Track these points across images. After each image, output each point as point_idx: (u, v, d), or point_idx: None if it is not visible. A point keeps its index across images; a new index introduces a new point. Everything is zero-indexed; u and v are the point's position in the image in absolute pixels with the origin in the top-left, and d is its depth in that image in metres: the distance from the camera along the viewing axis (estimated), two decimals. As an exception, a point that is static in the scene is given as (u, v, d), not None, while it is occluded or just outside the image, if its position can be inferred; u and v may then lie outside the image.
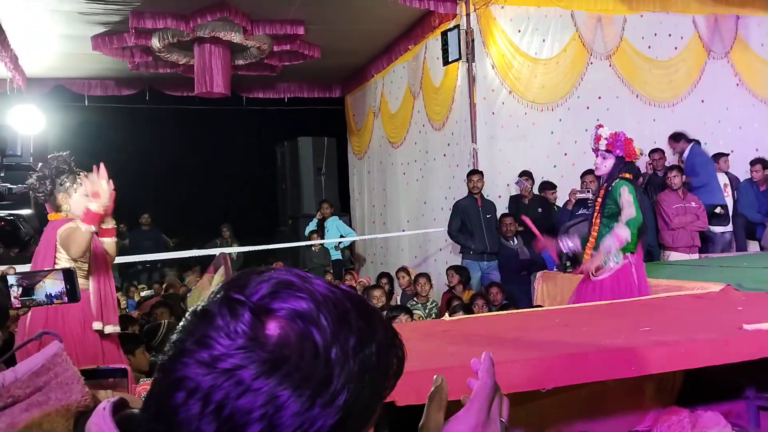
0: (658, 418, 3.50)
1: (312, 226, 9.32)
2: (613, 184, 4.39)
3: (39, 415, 0.74)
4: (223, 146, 13.18)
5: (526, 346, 2.79)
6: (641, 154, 4.48)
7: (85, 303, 3.26)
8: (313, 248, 9.15)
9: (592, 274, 4.44)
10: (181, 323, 0.66)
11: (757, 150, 8.25)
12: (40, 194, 3.36)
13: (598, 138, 4.51)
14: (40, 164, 3.42)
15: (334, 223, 9.47)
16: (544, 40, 7.98)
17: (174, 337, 0.65)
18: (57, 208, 3.41)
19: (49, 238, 3.33)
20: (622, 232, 4.25)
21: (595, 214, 4.52)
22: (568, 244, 4.51)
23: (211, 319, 0.63)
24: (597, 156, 4.56)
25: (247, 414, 0.58)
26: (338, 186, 11.95)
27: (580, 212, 6.64)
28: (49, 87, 10.47)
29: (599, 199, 4.53)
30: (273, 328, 0.62)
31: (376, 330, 0.67)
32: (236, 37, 8.16)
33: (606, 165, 4.49)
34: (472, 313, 5.07)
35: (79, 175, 3.37)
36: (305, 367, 0.60)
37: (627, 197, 4.29)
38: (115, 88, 10.79)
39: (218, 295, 0.65)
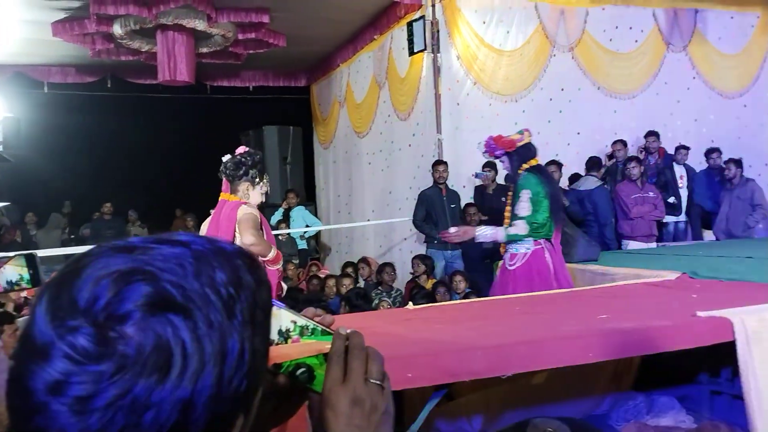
0: (615, 403, 3.61)
1: (278, 215, 9.30)
2: (518, 182, 4.55)
3: None
4: (187, 135, 13.04)
5: (487, 334, 2.85)
6: (521, 133, 4.65)
7: None
8: (279, 237, 9.13)
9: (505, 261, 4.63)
10: (12, 363, 0.55)
11: (712, 141, 8.47)
12: (229, 173, 3.89)
13: (484, 154, 4.78)
14: (244, 150, 3.96)
15: (299, 213, 9.45)
16: (508, 32, 8.06)
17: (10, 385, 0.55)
18: (233, 192, 3.89)
19: (229, 217, 3.77)
20: (504, 233, 4.52)
21: (507, 207, 4.70)
22: (487, 231, 4.68)
23: (50, 357, 0.53)
24: (502, 164, 4.83)
25: (159, 424, 0.53)
26: (303, 175, 11.92)
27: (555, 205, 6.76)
28: (9, 74, 10.23)
29: (510, 193, 4.75)
30: (135, 332, 0.54)
31: (240, 271, 0.61)
32: (200, 25, 8.06)
33: (506, 165, 4.75)
34: (436, 301, 5.15)
35: (266, 175, 3.97)
36: (195, 356, 0.55)
37: (525, 199, 4.48)
38: (76, 75, 10.58)
39: (50, 324, 0.54)
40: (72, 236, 10.96)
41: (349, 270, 7.21)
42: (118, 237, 0.66)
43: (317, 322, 0.81)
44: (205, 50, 8.91)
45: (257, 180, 3.91)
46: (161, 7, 7.67)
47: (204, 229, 4.06)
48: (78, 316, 0.54)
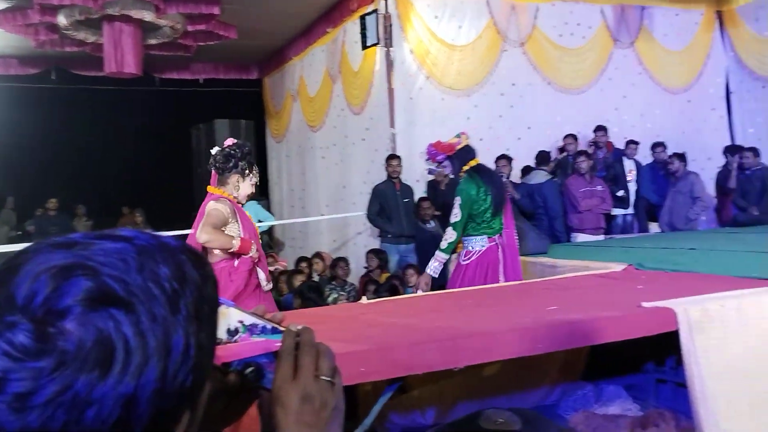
0: (565, 393, 3.69)
1: (229, 210, 9.19)
2: (457, 187, 4.67)
3: None
4: (136, 128, 12.76)
5: (440, 327, 2.88)
6: (459, 136, 4.77)
7: None
8: (231, 233, 9.04)
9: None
10: None
11: (657, 136, 8.69)
12: (219, 165, 3.85)
13: (427, 161, 4.88)
14: (231, 142, 3.94)
15: (252, 208, 9.30)
16: (460, 27, 8.11)
17: None
18: (222, 184, 3.85)
19: (201, 211, 3.76)
20: (442, 253, 4.64)
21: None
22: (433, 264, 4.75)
23: None
24: (444, 169, 4.89)
25: (101, 420, 0.52)
26: (256, 169, 11.79)
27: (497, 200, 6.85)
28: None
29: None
30: (75, 327, 0.53)
31: (183, 265, 0.60)
32: (148, 16, 7.89)
33: (449, 170, 4.84)
34: (396, 293, 5.17)
35: (255, 167, 3.95)
36: (138, 351, 0.54)
37: (456, 206, 4.61)
38: (18, 66, 10.25)
39: None
40: (19, 233, 10.66)
41: (303, 265, 7.18)
42: (63, 233, 0.64)
43: (267, 320, 0.81)
44: (153, 42, 8.72)
45: (247, 172, 3.89)
46: (107, -3, 7.49)
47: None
48: (16, 313, 0.53)
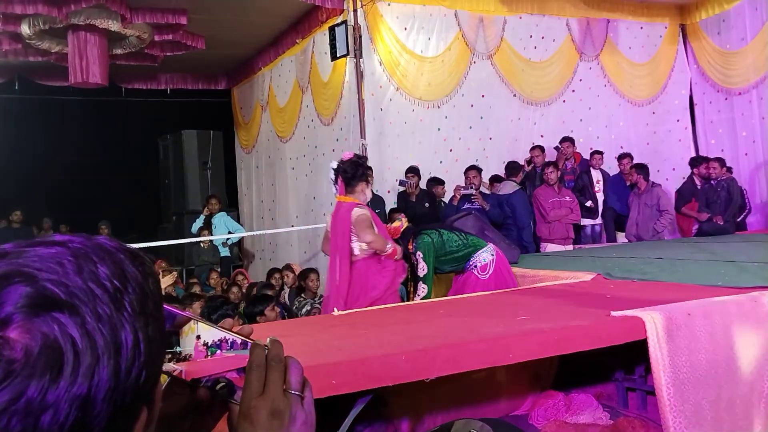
0: (535, 402, 3.70)
1: (199, 222, 9.08)
2: (414, 252, 4.66)
3: None
4: (102, 139, 12.57)
5: (411, 338, 2.87)
6: (400, 220, 4.82)
7: None
8: (201, 245, 8.93)
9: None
10: None
11: (621, 147, 8.84)
12: (348, 174, 4.20)
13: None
14: (352, 154, 4.38)
15: (221, 219, 9.27)
16: (429, 39, 8.17)
17: None
18: (350, 192, 4.22)
19: (343, 219, 4.14)
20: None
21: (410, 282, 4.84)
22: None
23: None
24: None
25: (58, 424, 0.52)
26: (225, 181, 11.69)
27: (465, 207, 6.89)
28: None
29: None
30: (19, 335, 0.52)
31: (123, 265, 0.61)
32: (114, 25, 7.80)
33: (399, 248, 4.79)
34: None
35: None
36: (88, 352, 0.54)
37: (419, 260, 4.61)
38: (-21, 76, 10.04)
39: None
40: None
41: (276, 277, 7.12)
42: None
43: (235, 333, 0.79)
44: (119, 51, 8.62)
45: (369, 179, 4.31)
46: (72, 6, 7.37)
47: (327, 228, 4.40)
48: None
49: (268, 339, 0.76)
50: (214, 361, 0.77)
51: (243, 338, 0.79)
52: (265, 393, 0.72)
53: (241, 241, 10.55)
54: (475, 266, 4.71)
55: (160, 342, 0.63)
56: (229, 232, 9.25)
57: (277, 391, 0.72)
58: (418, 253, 4.61)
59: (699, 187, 8.05)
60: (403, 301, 4.57)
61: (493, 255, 4.72)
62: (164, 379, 0.74)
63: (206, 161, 11.34)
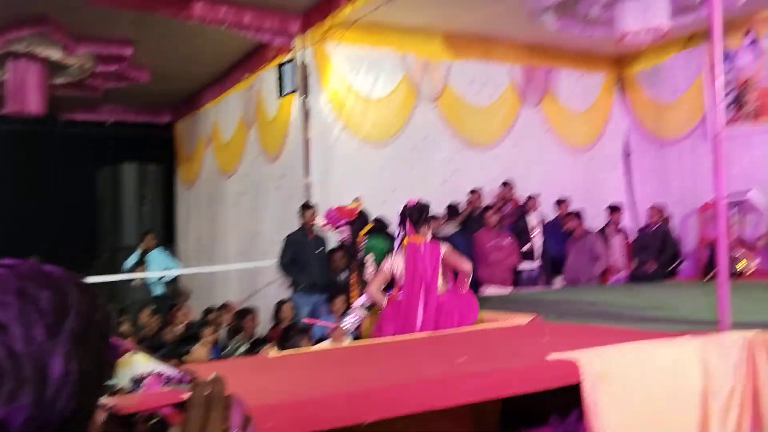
0: (473, 445, 3.68)
1: (134, 258, 8.82)
2: (363, 248, 4.74)
3: None
4: (36, 170, 12.15)
5: (350, 380, 2.82)
6: (357, 201, 4.94)
7: None
8: (132, 283, 8.64)
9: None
10: None
11: (562, 192, 9.05)
12: (418, 217, 4.60)
13: (323, 226, 4.98)
14: (416, 199, 4.80)
15: (159, 255, 9.04)
16: (376, 81, 8.27)
17: None
18: (418, 232, 4.57)
19: (432, 254, 4.50)
20: (362, 309, 4.72)
21: (353, 274, 4.87)
22: (351, 320, 4.75)
23: None
24: (339, 235, 5.08)
25: None
26: (163, 216, 11.44)
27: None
28: None
29: (356, 262, 5.01)
30: None
31: (66, 293, 0.60)
32: (55, 55, 7.64)
33: (346, 235, 5.03)
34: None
35: None
36: (8, 377, 0.53)
37: (369, 263, 4.78)
38: None
39: None
40: None
41: (212, 316, 6.93)
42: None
43: (176, 368, 0.77)
44: (59, 81, 8.43)
45: (433, 223, 4.75)
46: (13, 33, 7.20)
47: (399, 266, 4.52)
48: None
49: (210, 376, 0.74)
50: (149, 396, 0.75)
51: (183, 372, 0.77)
52: (205, 431, 0.70)
53: (178, 278, 10.30)
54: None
55: (98, 376, 0.61)
56: (165, 269, 9.01)
57: (218, 429, 0.70)
58: (371, 255, 4.61)
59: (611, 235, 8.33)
60: None
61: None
62: (102, 417, 0.71)
63: (144, 195, 11.10)
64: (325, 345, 4.79)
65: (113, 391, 0.76)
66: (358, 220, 4.83)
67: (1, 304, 0.54)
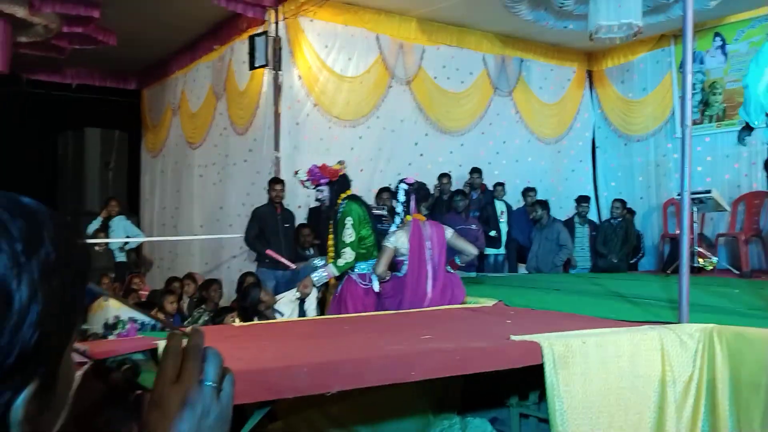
0: (432, 423, 3.71)
1: (96, 224, 8.63)
2: (341, 210, 4.71)
3: None
4: (-4, 129, 11.81)
5: (313, 351, 2.81)
6: (341, 163, 4.95)
7: None
8: (96, 248, 8.48)
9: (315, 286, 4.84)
10: None
11: (528, 181, 9.14)
12: (420, 197, 4.84)
13: (302, 182, 4.95)
14: (413, 179, 4.89)
15: (120, 223, 8.86)
16: (350, 59, 8.20)
17: None
18: (420, 212, 4.82)
19: (438, 233, 4.66)
20: (335, 268, 4.68)
21: (330, 235, 4.84)
22: (321, 274, 4.74)
23: None
24: (317, 193, 4.96)
25: None
26: (127, 184, 11.22)
27: (376, 227, 6.89)
28: None
29: (331, 222, 4.90)
30: None
31: (42, 226, 0.59)
32: (20, 12, 7.37)
33: (325, 195, 4.91)
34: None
35: None
36: None
37: (348, 226, 4.71)
38: None
39: None
40: None
41: (176, 285, 6.84)
42: None
43: (151, 316, 0.75)
44: (24, 40, 8.15)
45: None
46: (-24, -14, 6.94)
47: (403, 243, 4.56)
48: None
49: (189, 328, 0.72)
50: (122, 342, 0.74)
51: (160, 321, 0.75)
52: (179, 381, 0.68)
53: (140, 247, 10.14)
54: (354, 271, 4.71)
55: (68, 313, 0.59)
56: (127, 237, 8.85)
57: (192, 380, 0.68)
58: (349, 218, 4.60)
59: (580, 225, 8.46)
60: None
61: (371, 270, 4.72)
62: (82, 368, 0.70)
63: (108, 162, 10.88)
64: (290, 294, 4.85)
65: (86, 336, 0.75)
66: (339, 182, 4.81)
67: None
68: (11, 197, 0.59)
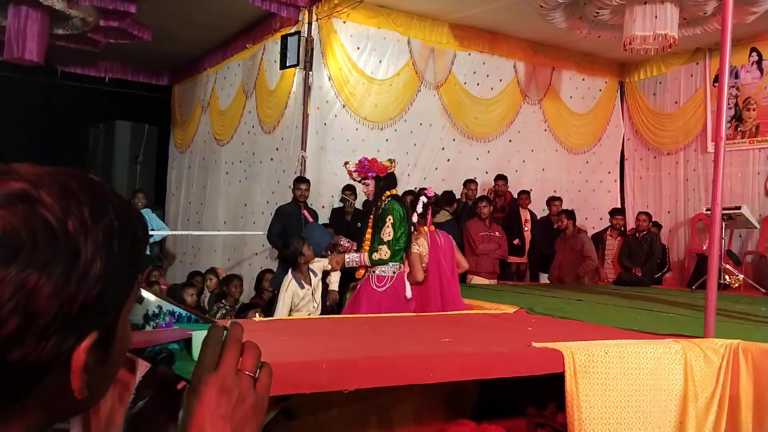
0: (447, 429, 3.68)
1: (121, 216, 8.74)
2: (383, 207, 4.69)
3: None
4: (30, 120, 12.02)
5: (333, 349, 2.81)
6: (390, 161, 4.92)
7: None
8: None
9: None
10: None
11: (555, 191, 9.06)
12: (447, 201, 5.08)
13: (350, 173, 4.92)
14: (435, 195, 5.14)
15: (146, 216, 8.95)
16: (380, 61, 8.21)
17: None
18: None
19: (450, 245, 4.98)
20: (368, 258, 4.67)
21: (368, 228, 4.84)
22: (354, 257, 4.80)
23: None
24: (363, 186, 4.95)
25: None
26: (155, 178, 11.35)
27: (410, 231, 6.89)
28: None
29: (371, 216, 4.89)
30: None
31: (108, 198, 0.63)
32: (59, 4, 7.50)
33: (370, 189, 4.88)
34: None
35: None
36: (45, 246, 0.56)
37: (389, 224, 4.69)
38: None
39: None
40: None
41: (197, 279, 6.90)
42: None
43: (189, 309, 0.80)
44: (60, 32, 8.29)
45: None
46: (17, -23, 7.08)
47: (425, 250, 4.80)
48: None
49: (229, 321, 0.77)
50: (158, 332, 0.78)
51: (199, 315, 0.80)
52: (217, 370, 0.71)
53: (164, 241, 10.24)
54: (374, 272, 4.69)
55: (125, 274, 0.63)
56: (152, 230, 8.95)
57: (230, 369, 0.71)
58: (390, 216, 4.61)
59: (612, 237, 8.37)
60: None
61: (395, 273, 4.69)
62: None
63: (137, 155, 11.00)
64: (324, 262, 5.13)
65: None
66: (386, 179, 4.80)
67: (45, 188, 0.58)
68: (82, 172, 0.64)
